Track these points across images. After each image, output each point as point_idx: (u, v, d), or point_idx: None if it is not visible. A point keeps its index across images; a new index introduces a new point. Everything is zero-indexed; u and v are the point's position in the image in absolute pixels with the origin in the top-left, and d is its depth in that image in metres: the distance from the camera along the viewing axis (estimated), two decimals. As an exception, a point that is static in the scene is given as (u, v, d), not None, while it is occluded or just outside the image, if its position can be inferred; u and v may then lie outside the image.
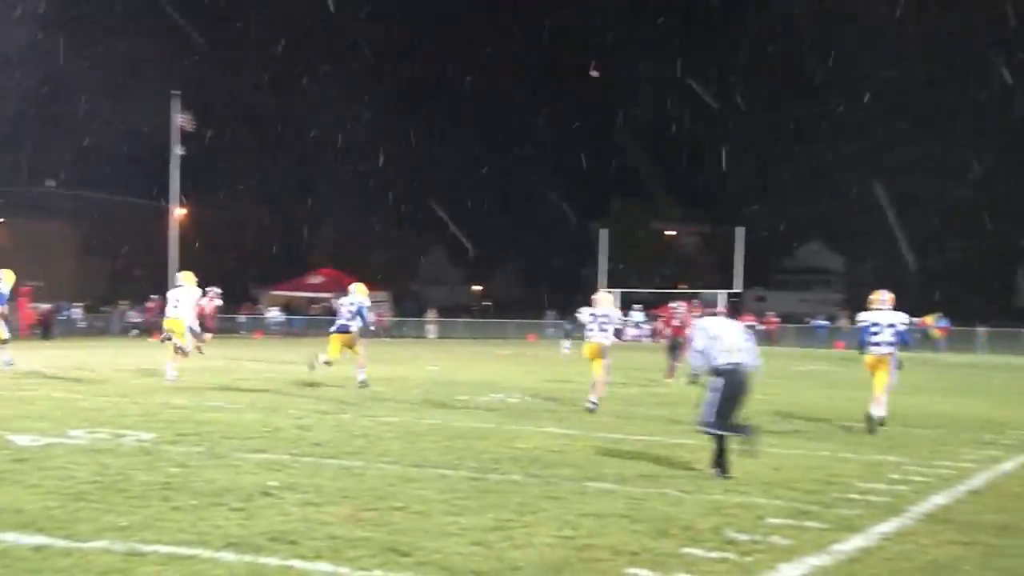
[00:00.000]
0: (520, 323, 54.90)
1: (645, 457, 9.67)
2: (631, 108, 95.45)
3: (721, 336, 9.05)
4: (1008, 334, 48.57)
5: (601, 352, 14.66)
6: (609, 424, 12.46)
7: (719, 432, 8.83)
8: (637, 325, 52.53)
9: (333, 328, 17.18)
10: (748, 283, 55.58)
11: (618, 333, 16.17)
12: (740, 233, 53.20)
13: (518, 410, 13.97)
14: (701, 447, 10.36)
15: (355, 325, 16.86)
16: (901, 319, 12.90)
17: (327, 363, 17.05)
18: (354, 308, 16.92)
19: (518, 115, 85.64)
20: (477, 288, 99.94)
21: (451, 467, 8.78)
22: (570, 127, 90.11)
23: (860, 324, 13.17)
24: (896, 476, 8.87)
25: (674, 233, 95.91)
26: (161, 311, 20.00)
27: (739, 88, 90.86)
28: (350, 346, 16.95)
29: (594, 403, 14.17)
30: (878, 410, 12.43)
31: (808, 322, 52.90)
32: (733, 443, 8.85)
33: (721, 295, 50.96)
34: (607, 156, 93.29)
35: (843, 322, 51.65)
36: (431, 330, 50.56)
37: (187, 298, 17.63)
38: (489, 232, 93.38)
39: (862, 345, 12.96)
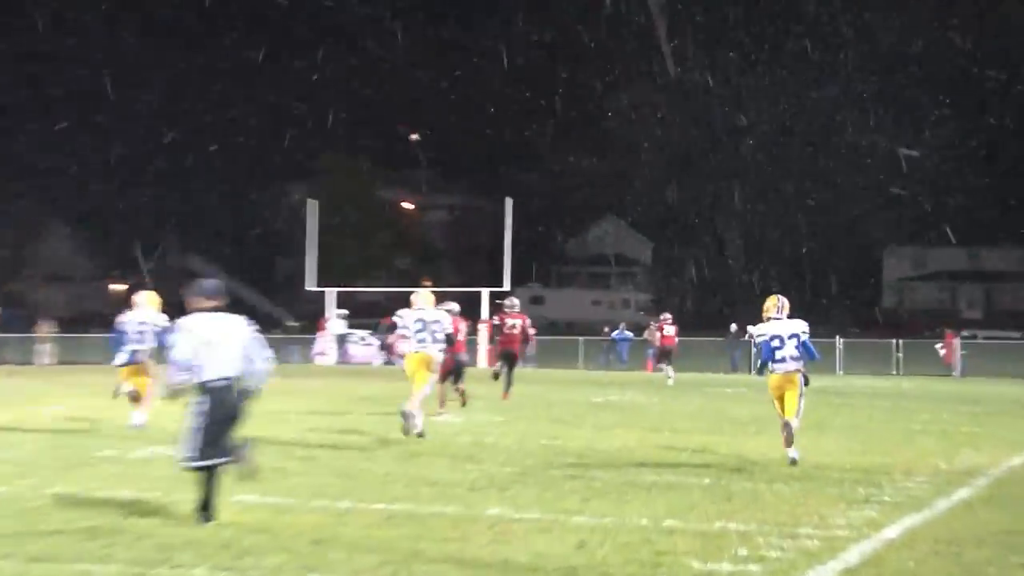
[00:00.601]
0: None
1: (386, 535, 9.63)
2: (352, 38, 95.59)
3: (213, 340, 9.77)
4: (872, 346, 51.69)
5: (434, 364, 17.24)
6: (332, 487, 12.36)
7: (208, 464, 9.77)
8: (363, 339, 52.74)
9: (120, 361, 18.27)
10: (521, 278, 56.71)
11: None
12: (508, 207, 53.86)
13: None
14: (468, 518, 10.44)
15: (147, 348, 18.17)
16: (802, 328, 14.55)
17: (133, 397, 18.17)
18: (147, 327, 18.15)
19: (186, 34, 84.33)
20: (118, 287, 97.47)
21: (97, 560, 8.50)
22: (260, 56, 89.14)
23: (759, 339, 14.85)
24: (744, 552, 9.19)
25: (413, 207, 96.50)
26: None
27: (504, 22, 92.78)
28: (144, 374, 18.25)
29: (419, 430, 16.93)
30: (793, 451, 14.38)
31: (607, 333, 54.39)
32: (230, 472, 9.95)
33: (483, 295, 51.82)
34: (318, 98, 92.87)
35: (652, 332, 53.42)
36: (45, 352, 48.82)
37: None
38: (140, 205, 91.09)
39: (764, 365, 14.81)
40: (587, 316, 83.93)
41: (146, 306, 18.30)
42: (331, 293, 56.18)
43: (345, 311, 55.39)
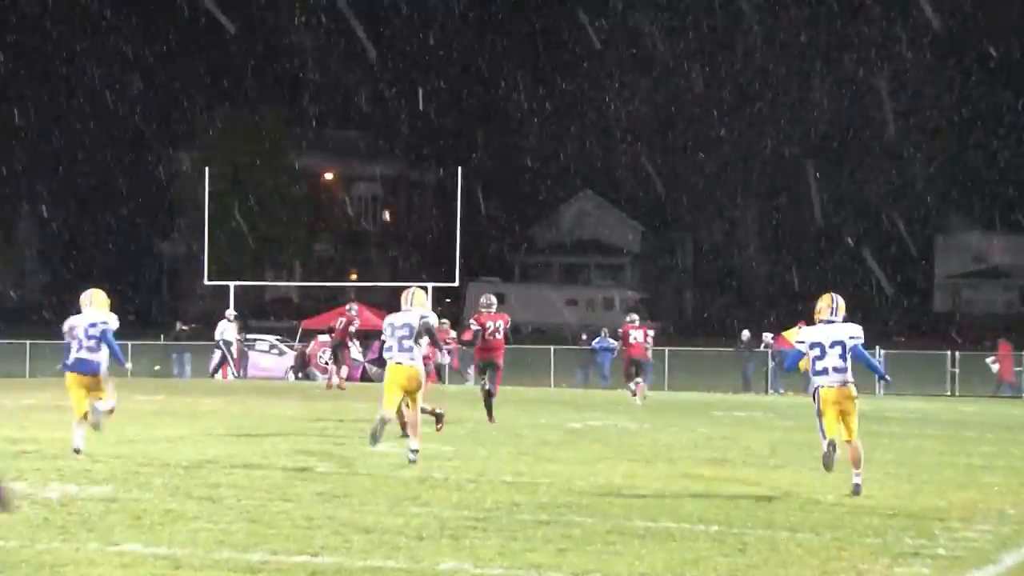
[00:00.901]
0: (29, 345, 53.34)
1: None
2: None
3: None
4: (921, 359, 51.81)
5: (416, 382, 17.98)
6: (239, 534, 12.35)
7: None
8: (273, 348, 52.53)
9: (69, 365, 18.51)
10: (475, 270, 56.69)
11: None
12: (458, 179, 53.82)
13: (71, 512, 13.61)
14: (414, 574, 10.47)
15: (102, 356, 18.56)
16: (849, 333, 15.01)
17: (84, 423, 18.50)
18: (97, 331, 18.47)
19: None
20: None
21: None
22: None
23: (797, 347, 15.42)
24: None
25: (332, 176, 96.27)
26: None
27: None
28: (98, 389, 18.58)
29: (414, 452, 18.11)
30: (856, 476, 15.18)
31: (585, 341, 54.45)
32: None
33: (427, 291, 51.73)
34: (216, 45, 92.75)
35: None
36: None
37: None
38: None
39: (789, 369, 15.20)
40: (560, 319, 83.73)
41: (95, 306, 18.69)
42: (230, 286, 55.62)
43: (234, 312, 54.68)
